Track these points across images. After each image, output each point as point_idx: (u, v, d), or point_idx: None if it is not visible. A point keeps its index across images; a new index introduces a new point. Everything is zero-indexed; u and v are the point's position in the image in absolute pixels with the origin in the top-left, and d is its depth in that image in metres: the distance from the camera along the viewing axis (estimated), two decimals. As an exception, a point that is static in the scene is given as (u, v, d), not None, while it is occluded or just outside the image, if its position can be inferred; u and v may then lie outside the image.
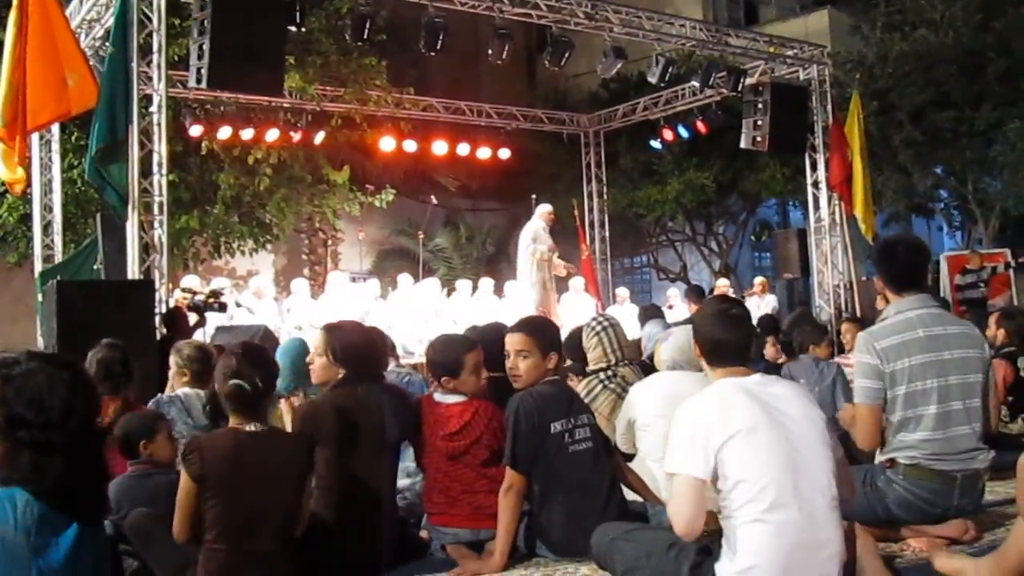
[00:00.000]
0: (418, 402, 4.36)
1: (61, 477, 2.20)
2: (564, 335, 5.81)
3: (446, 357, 4.30)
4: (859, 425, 4.06)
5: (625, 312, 13.08)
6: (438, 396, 4.27)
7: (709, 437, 2.93)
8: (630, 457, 4.77)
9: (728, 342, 3.20)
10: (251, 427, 3.43)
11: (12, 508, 2.15)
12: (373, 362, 4.32)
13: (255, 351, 3.66)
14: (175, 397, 4.91)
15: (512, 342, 4.16)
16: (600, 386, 5.16)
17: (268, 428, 3.53)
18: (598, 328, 5.42)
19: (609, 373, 5.21)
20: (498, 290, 13.46)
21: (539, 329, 4.26)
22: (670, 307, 13.73)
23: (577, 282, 14.21)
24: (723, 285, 14.59)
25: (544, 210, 12.74)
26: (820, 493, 2.95)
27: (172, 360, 5.09)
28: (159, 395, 5.19)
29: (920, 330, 3.91)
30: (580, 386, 5.20)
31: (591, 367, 5.38)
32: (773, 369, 6.20)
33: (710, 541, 3.09)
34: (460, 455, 4.12)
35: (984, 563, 3.07)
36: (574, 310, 13.42)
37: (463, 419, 4.15)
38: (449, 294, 13.69)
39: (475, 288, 13.72)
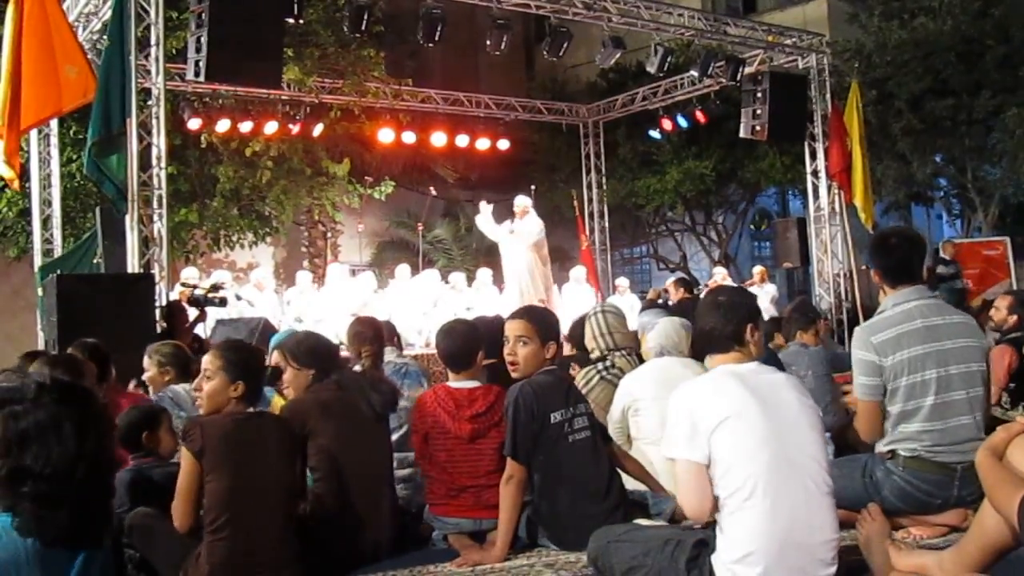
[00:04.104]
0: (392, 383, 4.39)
1: (66, 529, 2.14)
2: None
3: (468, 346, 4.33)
4: (860, 420, 4.08)
5: (625, 302, 13.08)
6: (454, 383, 4.28)
7: (702, 421, 2.96)
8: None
9: (715, 329, 3.22)
10: (250, 409, 3.63)
11: (22, 536, 2.12)
12: (334, 355, 4.37)
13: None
14: (163, 396, 4.94)
15: (512, 328, 4.16)
16: (597, 376, 5.16)
17: (262, 411, 3.73)
18: (591, 314, 5.46)
19: (607, 363, 5.21)
20: (497, 281, 13.42)
21: (539, 317, 4.26)
22: (666, 292, 13.68)
23: (578, 272, 14.22)
24: (720, 273, 14.61)
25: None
26: (812, 479, 2.98)
27: (150, 363, 5.09)
28: (147, 396, 5.21)
29: (919, 320, 3.90)
30: (579, 376, 5.20)
31: (592, 356, 5.39)
32: (773, 358, 6.19)
33: (706, 534, 3.11)
34: (482, 436, 4.12)
35: (947, 556, 3.07)
36: (574, 300, 13.43)
37: (488, 400, 4.17)
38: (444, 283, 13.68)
39: (471, 280, 13.70)
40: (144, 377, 5.15)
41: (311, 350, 4.24)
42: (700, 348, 3.35)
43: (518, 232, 12.10)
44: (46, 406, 2.16)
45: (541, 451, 3.93)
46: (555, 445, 3.94)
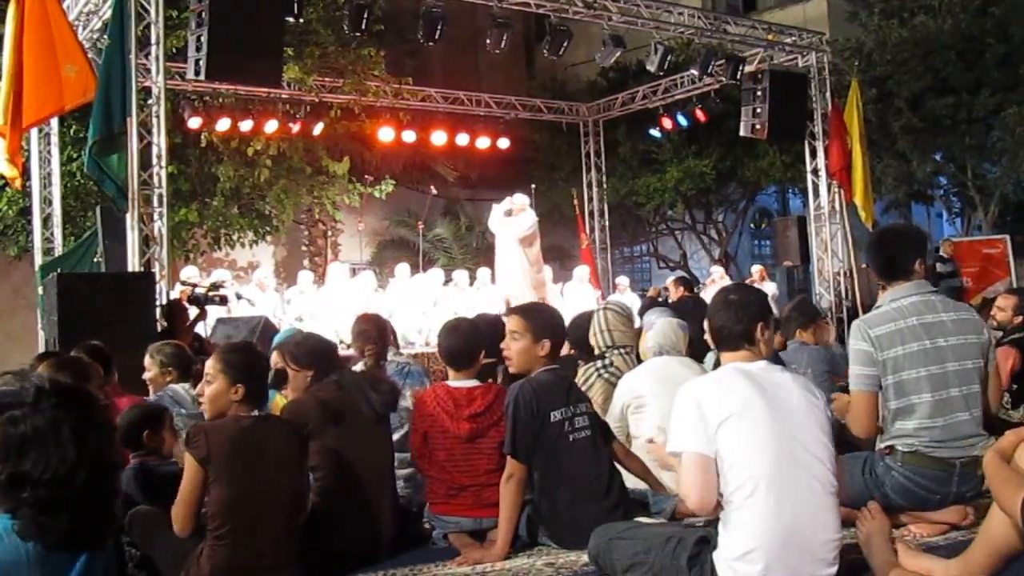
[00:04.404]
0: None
1: (66, 532, 2.12)
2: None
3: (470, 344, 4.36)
4: (854, 412, 4.06)
5: (625, 301, 13.05)
6: (454, 382, 4.29)
7: (708, 416, 2.97)
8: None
9: (724, 327, 3.24)
10: (255, 412, 3.57)
11: (23, 539, 2.11)
12: (333, 356, 4.38)
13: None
14: (163, 395, 4.96)
15: (507, 323, 4.19)
16: (595, 374, 5.16)
17: (267, 414, 3.67)
18: (596, 309, 5.46)
19: (606, 362, 5.21)
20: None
21: (535, 313, 4.25)
22: (666, 290, 13.65)
23: (582, 271, 14.23)
24: (717, 272, 14.59)
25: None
26: (816, 479, 2.98)
27: (152, 363, 5.12)
28: (146, 398, 5.22)
29: (913, 318, 3.90)
30: (579, 374, 5.21)
31: (595, 353, 5.40)
32: (776, 357, 6.19)
33: (707, 531, 3.11)
34: (481, 436, 4.13)
35: (953, 563, 3.07)
36: (577, 300, 13.42)
37: (487, 400, 4.18)
38: (445, 283, 13.67)
39: (472, 279, 13.68)
40: (145, 377, 5.17)
41: (310, 351, 4.25)
42: (700, 347, 3.35)
43: (509, 223, 12.11)
44: (45, 411, 2.14)
45: (541, 450, 3.93)
46: (555, 444, 3.94)
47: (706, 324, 3.41)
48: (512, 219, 12.13)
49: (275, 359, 4.34)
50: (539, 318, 4.21)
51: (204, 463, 3.39)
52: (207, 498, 3.42)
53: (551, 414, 3.95)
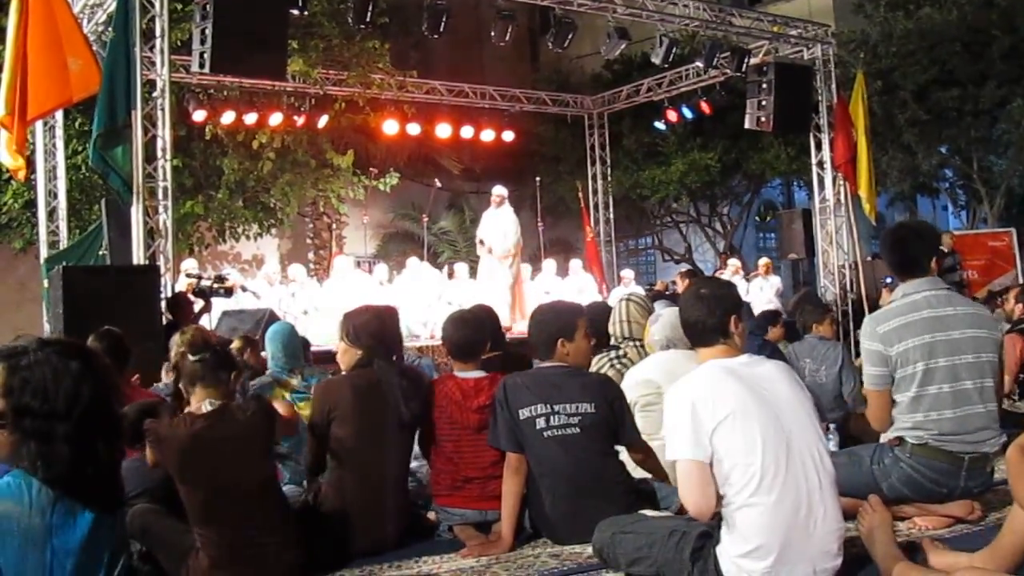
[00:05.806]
0: (430, 385, 4.35)
1: (68, 466, 2.20)
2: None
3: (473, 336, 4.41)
4: (870, 410, 4.09)
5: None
6: (461, 374, 4.29)
7: (701, 422, 2.96)
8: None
9: (697, 321, 3.23)
10: (207, 405, 3.58)
11: (28, 488, 2.17)
12: (390, 343, 4.32)
13: (206, 331, 3.97)
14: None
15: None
16: (608, 364, 5.14)
17: (223, 404, 3.63)
18: (620, 299, 5.46)
19: (620, 352, 5.20)
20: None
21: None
22: (674, 283, 13.67)
23: (576, 263, 14.24)
24: (733, 265, 14.54)
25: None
26: (814, 469, 2.98)
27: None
28: (156, 384, 5.24)
29: (926, 311, 3.89)
30: (592, 363, 5.17)
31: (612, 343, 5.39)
32: (776, 350, 6.17)
33: (710, 525, 3.11)
34: (487, 427, 4.12)
35: (978, 557, 3.06)
36: (577, 290, 13.43)
37: (492, 391, 4.16)
38: (450, 276, 13.68)
39: (474, 272, 13.69)
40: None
41: (368, 333, 4.22)
42: (689, 340, 3.34)
43: (498, 239, 12.14)
44: (49, 355, 2.25)
45: (525, 445, 3.95)
46: (529, 440, 3.94)
47: (679, 321, 3.40)
48: (500, 231, 12.14)
49: (340, 330, 4.35)
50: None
51: (155, 466, 3.56)
52: (183, 497, 3.52)
53: (520, 411, 3.95)
